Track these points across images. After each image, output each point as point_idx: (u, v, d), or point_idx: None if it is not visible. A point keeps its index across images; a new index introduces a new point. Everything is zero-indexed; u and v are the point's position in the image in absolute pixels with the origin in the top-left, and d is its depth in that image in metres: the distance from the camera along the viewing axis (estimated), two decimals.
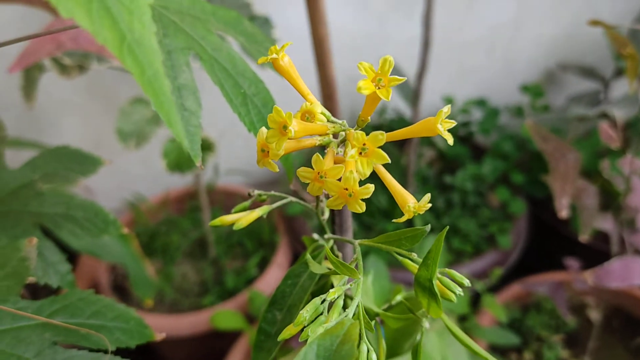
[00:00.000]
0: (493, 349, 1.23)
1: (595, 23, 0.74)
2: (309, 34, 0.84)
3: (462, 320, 1.22)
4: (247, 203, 0.45)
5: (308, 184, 0.35)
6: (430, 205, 0.36)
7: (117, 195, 1.53)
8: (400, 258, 0.39)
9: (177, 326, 1.25)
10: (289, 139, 0.32)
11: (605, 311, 1.27)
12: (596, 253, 1.28)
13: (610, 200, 1.05)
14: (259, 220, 1.40)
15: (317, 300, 0.35)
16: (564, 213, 0.93)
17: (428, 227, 0.37)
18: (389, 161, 0.32)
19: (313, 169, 0.33)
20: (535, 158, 1.51)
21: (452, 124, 0.35)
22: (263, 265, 1.41)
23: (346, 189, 0.33)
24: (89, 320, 0.48)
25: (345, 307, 0.39)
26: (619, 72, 1.49)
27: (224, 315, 1.22)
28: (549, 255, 1.53)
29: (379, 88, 0.33)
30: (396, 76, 0.32)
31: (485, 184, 1.51)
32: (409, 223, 1.42)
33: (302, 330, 0.35)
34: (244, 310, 1.26)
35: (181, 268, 1.43)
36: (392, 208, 1.44)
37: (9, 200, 0.57)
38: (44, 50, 0.78)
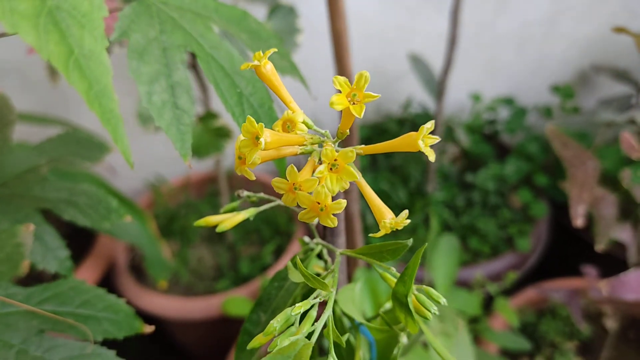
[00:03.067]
0: (504, 353, 1.22)
1: (620, 30, 0.71)
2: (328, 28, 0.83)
3: (473, 322, 1.21)
4: (235, 204, 0.45)
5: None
6: (408, 221, 0.35)
7: (140, 175, 1.55)
8: (381, 271, 0.39)
9: (190, 309, 1.26)
10: (261, 150, 0.32)
11: (621, 321, 1.24)
12: (617, 261, 1.25)
13: (631, 210, 1.02)
14: (276, 208, 1.40)
15: (288, 310, 0.35)
16: (579, 221, 0.91)
17: (410, 242, 0.36)
18: (358, 178, 0.32)
19: (288, 180, 0.33)
20: (560, 161, 1.48)
21: (435, 139, 0.34)
22: (278, 253, 1.42)
23: (318, 203, 0.32)
24: (78, 310, 0.49)
25: (334, 313, 0.38)
26: None
27: (236, 301, 1.23)
28: (569, 260, 1.50)
29: (353, 103, 0.32)
30: (370, 92, 0.32)
31: (507, 185, 1.49)
32: (426, 221, 1.41)
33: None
34: (256, 297, 1.26)
35: (197, 251, 1.44)
36: (411, 205, 1.43)
37: (13, 184, 0.58)
38: None
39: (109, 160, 0.92)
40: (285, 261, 1.35)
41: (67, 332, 0.48)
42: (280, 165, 0.47)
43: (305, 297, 0.45)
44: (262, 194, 0.44)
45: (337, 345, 0.36)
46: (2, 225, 0.54)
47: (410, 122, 1.56)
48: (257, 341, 0.35)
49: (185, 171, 1.56)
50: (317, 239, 0.44)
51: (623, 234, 0.98)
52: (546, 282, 1.30)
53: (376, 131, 1.55)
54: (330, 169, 0.32)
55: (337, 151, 0.32)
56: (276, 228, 1.48)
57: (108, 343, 0.50)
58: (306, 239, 0.47)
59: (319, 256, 0.47)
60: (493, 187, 1.45)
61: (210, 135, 1.08)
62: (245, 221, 1.41)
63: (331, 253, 0.47)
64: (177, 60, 0.42)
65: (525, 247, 1.37)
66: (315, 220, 0.46)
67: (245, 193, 0.44)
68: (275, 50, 0.38)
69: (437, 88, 1.30)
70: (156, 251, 1.26)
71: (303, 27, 1.10)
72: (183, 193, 1.56)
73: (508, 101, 1.57)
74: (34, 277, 1.04)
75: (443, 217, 1.42)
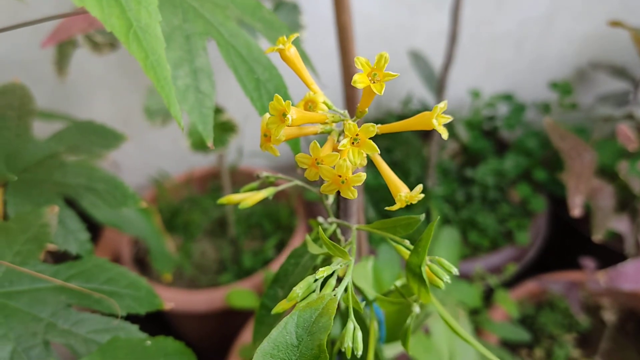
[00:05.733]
0: (504, 344, 1.24)
1: (616, 24, 0.74)
2: (333, 21, 0.85)
3: (474, 313, 1.23)
4: (255, 184, 0.47)
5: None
6: (422, 195, 0.37)
7: (143, 172, 1.57)
8: (394, 244, 0.41)
9: (194, 302, 1.28)
10: (287, 126, 0.34)
11: (619, 313, 1.26)
12: (616, 254, 1.27)
13: (628, 202, 1.05)
14: (278, 203, 1.42)
15: (310, 278, 0.37)
16: (576, 211, 0.94)
17: (422, 217, 0.38)
18: (378, 151, 0.34)
19: (311, 155, 0.35)
20: (559, 156, 1.50)
21: (448, 119, 0.37)
22: (280, 247, 1.44)
23: (340, 176, 0.35)
24: (102, 286, 0.51)
25: (346, 289, 0.40)
26: None
27: (239, 294, 1.25)
28: (568, 254, 1.53)
29: (373, 82, 0.34)
30: (390, 72, 0.34)
31: (506, 180, 1.51)
32: (427, 216, 1.44)
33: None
34: (259, 290, 1.28)
35: (201, 245, 1.46)
36: None
37: (35, 170, 0.60)
38: (76, 27, 0.81)
39: (113, 156, 0.94)
40: (287, 254, 1.37)
41: (93, 307, 0.50)
42: (294, 148, 0.49)
43: None
44: (280, 175, 0.46)
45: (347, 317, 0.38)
46: (25, 208, 0.56)
47: None
48: (280, 307, 0.38)
49: (188, 167, 1.58)
50: (332, 218, 0.46)
51: (620, 224, 1.01)
52: (545, 275, 1.32)
53: None
54: (352, 143, 0.34)
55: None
56: (278, 222, 1.50)
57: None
58: (320, 219, 0.49)
59: (331, 238, 0.50)
60: (492, 182, 1.48)
61: (215, 129, 1.10)
62: (248, 216, 1.42)
63: (344, 232, 0.50)
64: (199, 47, 0.44)
65: (524, 241, 1.39)
66: (330, 200, 0.48)
67: (264, 174, 0.46)
68: (297, 35, 0.40)
69: (438, 84, 1.32)
70: (161, 245, 1.28)
71: (307, 23, 1.12)
72: (186, 188, 1.58)
73: (507, 97, 1.59)
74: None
75: (443, 211, 1.44)
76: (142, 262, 1.41)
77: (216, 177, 1.60)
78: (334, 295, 0.35)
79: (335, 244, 0.37)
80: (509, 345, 1.25)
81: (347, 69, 0.87)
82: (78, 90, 1.38)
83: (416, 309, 0.42)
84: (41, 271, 0.49)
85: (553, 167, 1.52)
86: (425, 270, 0.38)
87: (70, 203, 0.65)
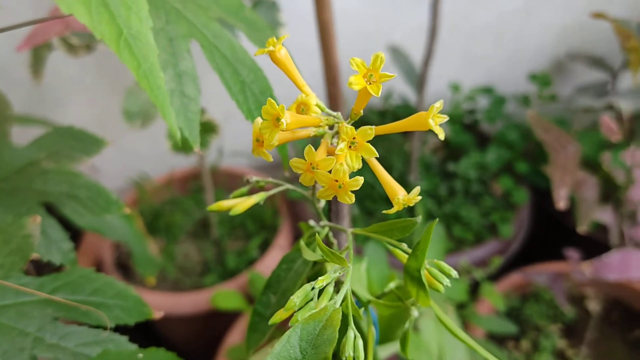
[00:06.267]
0: (490, 337, 1.24)
1: (598, 16, 0.74)
2: (314, 18, 0.84)
3: (460, 308, 1.23)
4: (245, 189, 0.46)
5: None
6: (420, 197, 0.37)
7: (123, 174, 1.55)
8: (391, 248, 0.40)
9: (178, 305, 1.26)
10: (281, 130, 0.33)
11: (604, 303, 1.27)
12: (599, 245, 1.28)
13: (611, 193, 1.05)
14: (261, 203, 1.40)
15: (307, 286, 0.36)
16: (562, 204, 0.94)
17: (418, 219, 0.38)
18: (377, 155, 0.33)
19: (306, 160, 0.34)
20: (540, 148, 1.51)
21: (444, 118, 0.36)
22: (264, 247, 1.42)
23: (336, 181, 0.34)
24: (89, 298, 0.50)
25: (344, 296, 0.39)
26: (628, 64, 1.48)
27: (225, 295, 1.23)
28: (551, 246, 1.54)
29: (370, 83, 0.33)
30: (387, 72, 0.33)
31: (488, 173, 1.51)
32: (410, 211, 1.43)
33: (293, 314, 0.36)
34: (244, 290, 1.27)
35: (184, 247, 1.45)
36: None
37: (15, 179, 0.59)
38: (53, 30, 0.79)
39: (92, 159, 0.92)
40: (271, 255, 1.36)
41: (80, 320, 0.48)
42: (282, 151, 0.48)
43: (312, 278, 0.47)
44: (271, 179, 0.45)
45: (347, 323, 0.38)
46: (6, 218, 0.55)
47: (391, 114, 1.58)
48: (277, 317, 0.37)
49: (168, 168, 1.56)
50: (324, 221, 0.46)
51: (604, 215, 1.01)
52: (530, 267, 1.32)
53: (357, 123, 1.57)
54: (349, 147, 0.34)
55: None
56: (261, 222, 1.49)
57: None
58: (311, 222, 0.48)
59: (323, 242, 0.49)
60: (474, 175, 1.48)
61: None
62: (231, 216, 1.41)
63: (336, 235, 0.49)
64: (183, 49, 0.43)
65: (508, 234, 1.39)
66: (321, 203, 0.47)
67: (254, 178, 0.45)
68: (288, 35, 0.39)
69: (418, 79, 1.32)
70: (143, 248, 1.26)
71: (286, 21, 1.11)
72: (167, 190, 1.56)
73: (487, 90, 1.59)
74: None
75: (426, 206, 1.44)
76: (124, 266, 1.39)
77: (197, 177, 1.58)
78: (335, 304, 0.34)
79: (332, 250, 0.36)
80: (496, 338, 1.25)
81: (328, 66, 0.86)
82: (54, 94, 1.36)
83: (415, 312, 0.41)
84: (25, 284, 0.47)
85: (534, 159, 1.53)
86: (424, 274, 0.38)
87: (50, 209, 0.63)
